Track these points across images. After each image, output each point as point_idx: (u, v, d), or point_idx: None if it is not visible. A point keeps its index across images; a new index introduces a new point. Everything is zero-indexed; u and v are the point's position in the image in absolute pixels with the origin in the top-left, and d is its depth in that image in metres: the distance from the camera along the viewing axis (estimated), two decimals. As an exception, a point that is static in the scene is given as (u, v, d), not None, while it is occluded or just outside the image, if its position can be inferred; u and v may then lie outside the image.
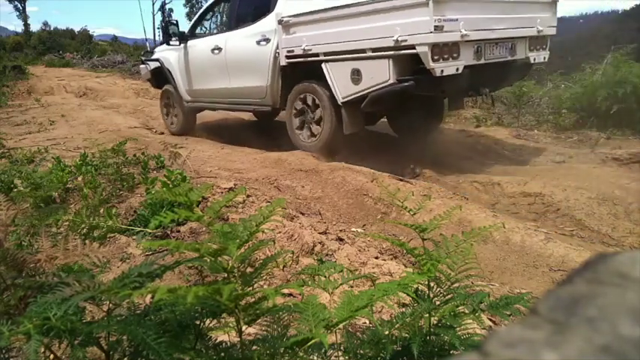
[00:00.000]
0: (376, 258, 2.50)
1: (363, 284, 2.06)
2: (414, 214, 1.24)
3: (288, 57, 4.82)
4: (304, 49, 4.60)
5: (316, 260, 2.40)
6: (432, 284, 1.07)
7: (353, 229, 3.01)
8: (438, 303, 1.05)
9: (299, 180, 3.93)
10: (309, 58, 4.63)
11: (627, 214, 3.28)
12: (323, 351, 0.96)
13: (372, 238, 2.75)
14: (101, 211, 2.80)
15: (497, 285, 2.38)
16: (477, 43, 4.06)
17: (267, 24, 5.05)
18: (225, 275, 0.88)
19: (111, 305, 0.92)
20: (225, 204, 1.01)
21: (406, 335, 1.01)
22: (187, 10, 38.26)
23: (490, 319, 1.81)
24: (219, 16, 6.61)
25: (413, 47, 3.80)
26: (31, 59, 19.83)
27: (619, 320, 0.29)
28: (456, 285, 1.07)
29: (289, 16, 4.72)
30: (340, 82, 4.41)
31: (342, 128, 4.55)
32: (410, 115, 5.16)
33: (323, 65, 4.53)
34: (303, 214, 3.19)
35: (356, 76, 4.26)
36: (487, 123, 6.83)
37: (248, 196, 3.25)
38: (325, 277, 1.17)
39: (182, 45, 6.32)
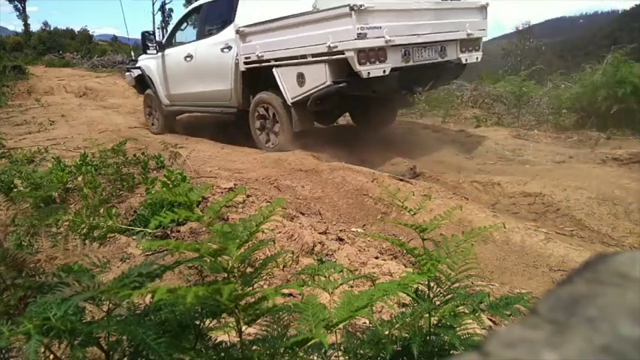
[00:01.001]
0: (376, 258, 2.50)
1: (363, 284, 2.06)
2: (414, 214, 1.24)
3: (245, 63, 5.27)
4: (258, 56, 5.04)
5: (316, 260, 2.39)
6: (432, 284, 1.07)
7: (353, 229, 3.01)
8: (438, 303, 1.05)
9: (299, 180, 3.94)
10: (263, 64, 5.06)
11: (627, 214, 3.27)
12: (323, 351, 0.96)
13: (372, 238, 2.75)
14: (101, 211, 2.80)
15: (497, 285, 2.38)
16: (405, 47, 4.46)
17: (229, 33, 5.51)
18: (225, 275, 0.88)
19: (111, 305, 0.92)
20: (225, 204, 1.01)
21: (406, 335, 1.01)
22: (187, 10, 38.19)
23: (490, 319, 1.81)
24: (191, 27, 7.02)
25: (342, 52, 4.23)
26: (31, 59, 19.79)
27: (619, 320, 0.29)
28: (456, 285, 1.07)
29: (244, 26, 5.15)
30: (288, 84, 4.85)
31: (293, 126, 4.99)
32: (367, 112, 5.88)
33: (274, 70, 4.95)
34: (303, 214, 3.19)
35: (301, 79, 4.71)
36: (487, 123, 6.83)
37: (248, 196, 3.25)
38: (325, 277, 1.17)
39: (160, 54, 6.83)
